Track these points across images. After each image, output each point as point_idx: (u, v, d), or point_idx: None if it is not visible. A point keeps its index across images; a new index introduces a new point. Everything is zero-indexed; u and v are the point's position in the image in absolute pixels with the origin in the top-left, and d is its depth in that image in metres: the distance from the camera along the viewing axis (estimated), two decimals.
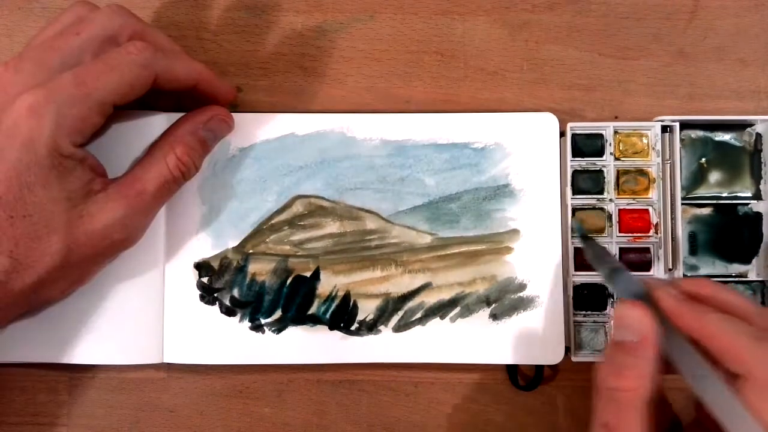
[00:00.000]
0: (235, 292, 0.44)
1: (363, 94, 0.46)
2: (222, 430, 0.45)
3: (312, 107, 0.46)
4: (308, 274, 0.44)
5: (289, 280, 0.44)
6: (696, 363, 0.32)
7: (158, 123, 0.43)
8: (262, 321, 0.44)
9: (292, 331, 0.44)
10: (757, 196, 0.45)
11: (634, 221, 0.44)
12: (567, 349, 0.44)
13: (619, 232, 0.44)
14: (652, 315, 0.34)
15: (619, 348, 0.34)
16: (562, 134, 0.45)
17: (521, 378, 0.45)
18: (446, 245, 0.44)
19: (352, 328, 0.44)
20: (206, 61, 0.45)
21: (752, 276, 0.45)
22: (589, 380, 0.45)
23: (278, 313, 0.44)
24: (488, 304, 0.44)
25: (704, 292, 0.35)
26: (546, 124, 0.44)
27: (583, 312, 0.44)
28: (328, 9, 0.46)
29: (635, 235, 0.44)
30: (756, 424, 0.30)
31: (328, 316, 0.44)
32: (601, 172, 0.45)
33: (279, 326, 0.44)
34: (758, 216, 0.45)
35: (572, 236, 0.44)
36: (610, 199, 0.44)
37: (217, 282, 0.44)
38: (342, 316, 0.44)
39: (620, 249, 0.44)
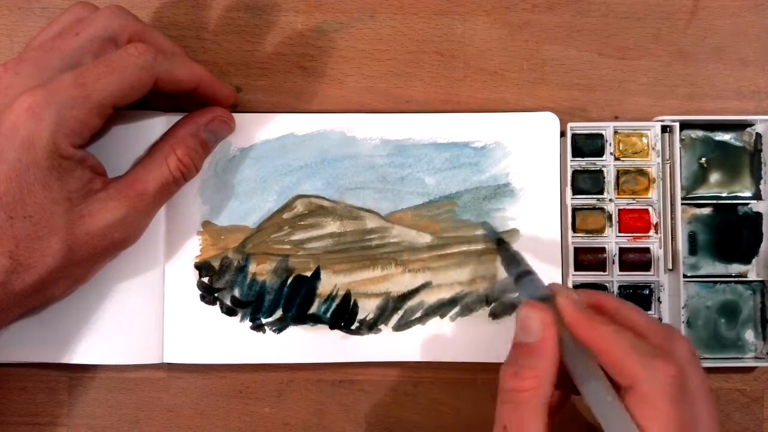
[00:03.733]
0: (236, 292, 0.44)
1: (363, 94, 0.46)
2: (222, 430, 0.45)
3: (312, 107, 0.46)
4: (309, 273, 0.44)
5: (289, 280, 0.44)
6: (588, 370, 0.33)
7: (158, 124, 0.43)
8: (263, 321, 0.44)
9: (293, 331, 0.44)
10: (757, 196, 0.45)
11: (634, 221, 0.44)
12: None
13: (619, 232, 0.44)
14: (553, 318, 0.34)
15: (519, 349, 0.34)
16: (562, 134, 0.45)
17: None
18: (446, 244, 0.44)
19: (353, 327, 0.44)
20: (206, 61, 0.45)
21: (752, 276, 0.45)
22: None
23: (279, 313, 0.44)
24: (488, 303, 0.44)
25: (608, 306, 0.35)
26: (546, 123, 0.44)
27: None
28: (328, 9, 0.46)
29: (635, 235, 0.44)
30: (632, 428, 0.30)
31: (328, 315, 0.44)
32: (601, 172, 0.45)
33: (280, 326, 0.44)
34: (758, 216, 0.45)
35: (487, 238, 0.44)
36: (610, 199, 0.44)
37: (217, 282, 0.44)
38: (342, 316, 0.44)
39: (620, 249, 0.44)
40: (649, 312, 0.44)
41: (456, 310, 0.44)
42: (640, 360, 0.31)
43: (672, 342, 0.33)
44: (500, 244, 0.43)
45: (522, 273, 0.39)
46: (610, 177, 0.44)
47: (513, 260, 0.41)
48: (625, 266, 0.44)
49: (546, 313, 0.34)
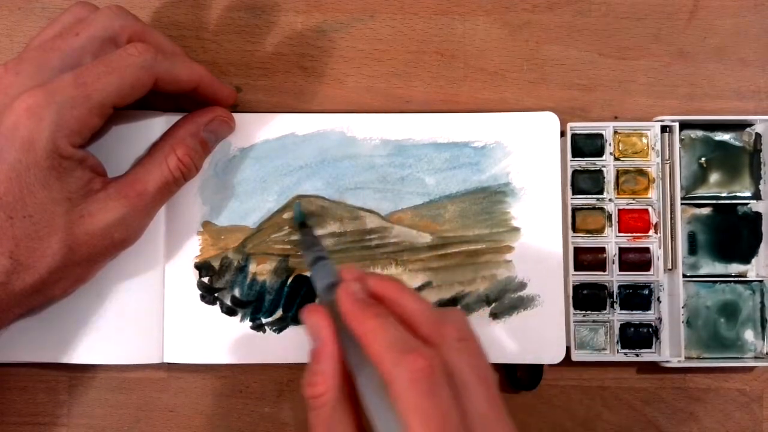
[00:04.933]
0: (236, 292, 0.44)
1: (363, 94, 0.46)
2: (222, 430, 0.45)
3: (312, 107, 0.46)
4: (309, 273, 0.44)
5: (289, 280, 0.44)
6: (359, 363, 0.33)
7: (158, 124, 0.43)
8: (263, 320, 0.44)
9: (293, 331, 0.44)
10: (757, 196, 0.45)
11: (634, 221, 0.44)
12: (567, 349, 0.44)
13: (619, 231, 0.44)
14: (329, 320, 0.34)
15: (310, 355, 0.34)
16: (562, 134, 0.45)
17: (521, 378, 0.45)
18: (446, 244, 0.44)
19: None
20: (206, 61, 0.45)
21: (752, 276, 0.45)
22: (590, 380, 0.45)
23: (279, 313, 0.44)
24: (488, 303, 0.44)
25: (387, 294, 0.35)
26: (547, 123, 0.44)
27: (583, 311, 0.44)
28: (328, 9, 0.46)
29: (635, 234, 0.44)
30: (396, 422, 0.30)
31: None
32: (600, 171, 0.45)
33: (280, 325, 0.44)
34: (758, 216, 0.45)
35: (292, 222, 0.44)
36: (610, 199, 0.44)
37: (217, 282, 0.44)
38: None
39: (620, 249, 0.44)
40: (649, 312, 0.44)
41: None
42: (393, 356, 0.31)
43: (440, 329, 0.33)
44: (302, 227, 0.43)
45: (316, 258, 0.39)
46: (609, 177, 0.44)
47: (311, 244, 0.40)
48: (624, 266, 0.44)
49: (320, 316, 0.34)
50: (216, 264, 0.44)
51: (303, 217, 0.44)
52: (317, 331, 0.34)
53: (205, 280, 0.44)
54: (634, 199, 0.44)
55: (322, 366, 0.33)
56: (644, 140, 0.45)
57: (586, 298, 0.44)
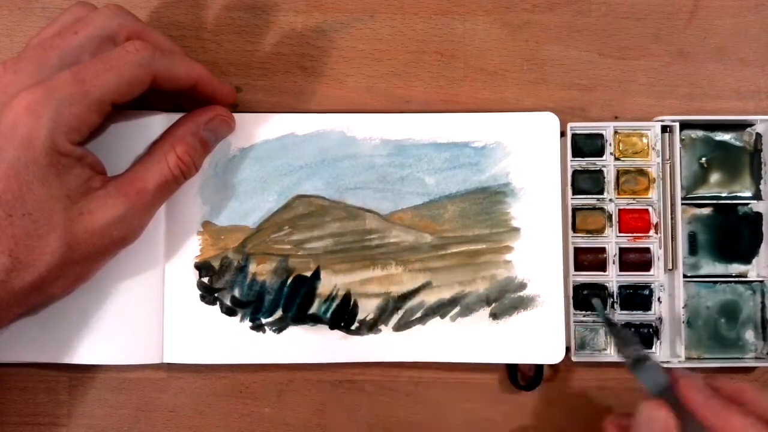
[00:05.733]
0: (236, 292, 0.44)
1: (363, 94, 0.46)
2: (222, 430, 0.45)
3: (312, 107, 0.46)
4: (309, 273, 0.44)
5: (289, 280, 0.44)
6: None
7: (158, 123, 0.43)
8: (263, 321, 0.44)
9: (293, 331, 0.44)
10: (757, 196, 0.45)
11: (634, 221, 0.44)
12: (567, 349, 0.44)
13: (619, 232, 0.44)
14: (676, 423, 0.33)
15: None
16: (563, 134, 0.45)
17: (521, 378, 0.44)
18: (446, 244, 0.44)
19: (353, 327, 0.44)
20: (206, 61, 0.45)
21: (752, 276, 0.45)
22: (590, 380, 0.45)
23: (279, 313, 0.44)
24: (488, 303, 0.44)
25: (744, 397, 0.34)
26: (547, 123, 0.44)
27: (583, 312, 0.44)
28: (328, 9, 0.46)
29: (635, 235, 0.44)
30: None
31: (328, 315, 0.44)
32: (601, 172, 0.45)
33: (279, 326, 0.44)
34: (758, 216, 0.45)
35: (596, 315, 0.44)
36: (610, 199, 0.44)
37: (217, 282, 0.44)
38: (342, 316, 0.44)
39: (620, 249, 0.44)
40: (649, 312, 0.44)
41: (456, 310, 0.44)
42: None
43: None
44: (611, 325, 0.42)
45: (640, 357, 0.38)
46: (610, 177, 0.44)
47: (628, 342, 0.40)
48: (625, 266, 0.44)
49: (670, 418, 0.33)
50: (216, 264, 0.44)
51: (606, 314, 0.44)
52: (662, 426, 0.33)
53: (205, 280, 0.44)
54: (634, 199, 0.44)
55: None
56: (644, 140, 0.45)
57: (587, 299, 0.44)
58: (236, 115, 0.43)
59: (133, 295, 0.43)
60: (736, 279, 0.45)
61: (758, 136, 0.45)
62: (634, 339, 0.41)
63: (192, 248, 0.44)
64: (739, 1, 0.46)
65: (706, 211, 0.45)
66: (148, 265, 0.44)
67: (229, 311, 0.44)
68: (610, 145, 0.44)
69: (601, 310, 0.43)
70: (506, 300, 0.44)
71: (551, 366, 0.44)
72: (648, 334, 0.44)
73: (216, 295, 0.44)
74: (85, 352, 0.43)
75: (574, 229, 0.44)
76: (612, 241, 0.44)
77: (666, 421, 0.33)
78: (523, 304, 0.44)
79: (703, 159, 0.45)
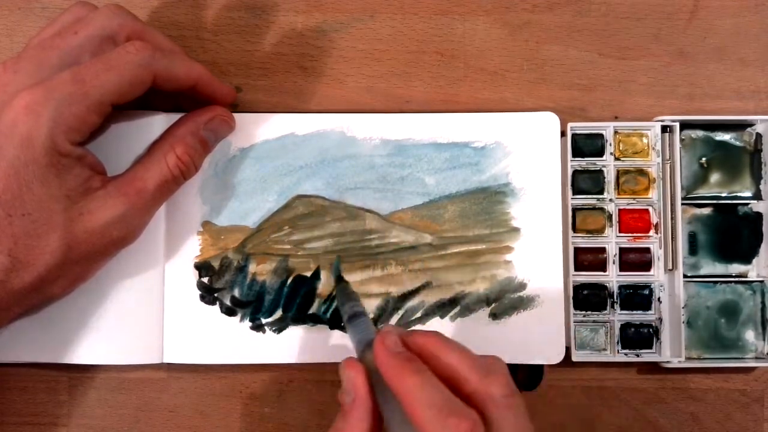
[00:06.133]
0: (236, 292, 0.44)
1: (363, 94, 0.46)
2: (222, 430, 0.45)
3: (312, 107, 0.46)
4: (309, 273, 0.44)
5: (289, 280, 0.44)
6: (397, 422, 0.32)
7: (158, 123, 0.43)
8: (263, 321, 0.44)
9: (293, 331, 0.44)
10: (757, 196, 0.45)
11: (634, 221, 0.44)
12: (567, 349, 0.44)
13: (619, 232, 0.44)
14: (365, 379, 0.33)
15: (341, 409, 0.34)
16: (563, 134, 0.45)
17: (521, 378, 0.44)
18: (446, 244, 0.44)
19: None
20: (206, 61, 0.45)
21: (752, 276, 0.45)
22: (590, 380, 0.45)
23: (279, 313, 0.44)
24: (488, 303, 0.44)
25: (427, 348, 0.33)
26: (547, 123, 0.44)
27: (583, 312, 0.44)
28: (328, 9, 0.46)
29: (635, 235, 0.44)
30: None
31: (328, 315, 0.44)
32: (601, 172, 0.45)
33: (279, 326, 0.44)
34: (758, 216, 0.45)
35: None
36: (610, 199, 0.44)
37: (217, 282, 0.44)
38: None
39: (620, 249, 0.44)
40: (649, 312, 0.44)
41: (456, 310, 0.44)
42: (436, 418, 0.30)
43: (485, 385, 0.32)
44: (339, 282, 0.43)
45: (354, 314, 0.38)
46: (610, 177, 0.44)
47: (348, 299, 0.40)
48: (625, 266, 0.44)
49: (356, 371, 0.33)
50: (216, 264, 0.44)
51: (339, 271, 0.44)
52: (352, 385, 0.33)
53: (205, 280, 0.44)
54: (634, 199, 0.44)
55: (349, 425, 0.33)
56: (645, 140, 0.45)
57: (587, 299, 0.44)
58: (236, 115, 0.43)
59: (133, 295, 0.43)
60: (736, 279, 0.45)
61: (758, 136, 0.45)
62: (356, 297, 0.41)
63: (192, 248, 0.44)
64: (739, 1, 0.46)
65: (706, 211, 0.45)
66: (148, 265, 0.44)
67: (229, 311, 0.44)
68: (610, 145, 0.44)
69: (337, 266, 0.44)
70: (506, 300, 0.44)
71: (551, 366, 0.44)
72: (648, 334, 0.44)
73: (216, 295, 0.44)
74: (85, 352, 0.43)
75: (574, 229, 0.44)
76: (612, 241, 0.44)
77: (352, 380, 0.33)
78: (523, 304, 0.44)
79: (703, 159, 0.45)
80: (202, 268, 0.44)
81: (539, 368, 0.44)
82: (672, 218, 0.44)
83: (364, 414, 0.33)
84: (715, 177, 0.45)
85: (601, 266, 0.44)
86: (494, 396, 0.32)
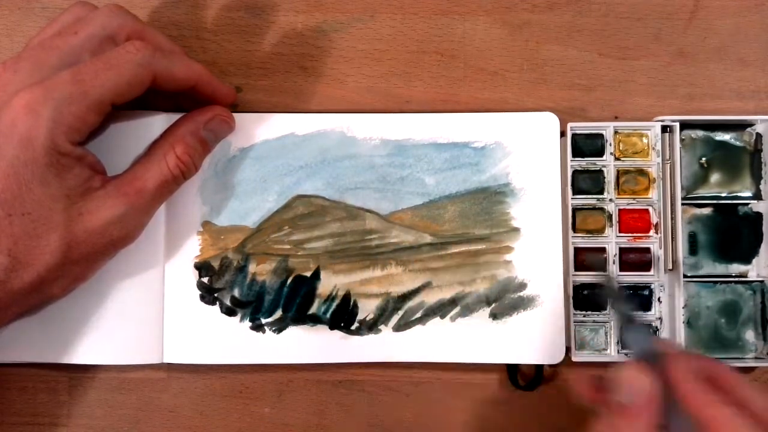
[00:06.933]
0: (236, 292, 0.44)
1: (363, 94, 0.46)
2: (222, 430, 0.45)
3: (312, 107, 0.46)
4: (308, 273, 0.44)
5: (289, 280, 0.44)
6: None
7: (158, 123, 0.43)
8: (263, 321, 0.44)
9: (293, 331, 0.44)
10: (758, 196, 0.45)
11: (634, 221, 0.44)
12: (567, 349, 0.44)
13: (619, 232, 0.44)
14: (659, 390, 0.33)
15: (618, 410, 0.33)
16: (563, 134, 0.45)
17: (521, 378, 0.44)
18: (446, 244, 0.44)
19: (353, 327, 0.44)
20: (206, 61, 0.45)
21: (752, 276, 0.45)
22: None
23: (279, 313, 0.44)
24: (488, 303, 0.44)
25: (724, 380, 0.33)
26: (546, 123, 0.44)
27: (583, 312, 0.44)
28: (328, 9, 0.46)
29: (635, 235, 0.44)
30: None
31: (328, 315, 0.44)
32: (601, 172, 0.45)
33: (279, 326, 0.44)
34: (758, 216, 0.45)
35: (603, 291, 0.44)
36: (610, 199, 0.44)
37: (217, 282, 0.44)
38: (342, 316, 0.44)
39: (620, 249, 0.44)
40: (649, 312, 0.44)
41: (456, 310, 0.44)
42: None
43: None
44: (609, 280, 0.43)
45: (631, 318, 0.38)
46: (610, 177, 0.44)
47: (624, 301, 0.40)
48: (625, 266, 0.44)
49: (653, 384, 0.33)
50: (216, 264, 0.44)
51: (612, 282, 0.43)
52: (641, 392, 0.33)
53: (205, 280, 0.44)
54: (634, 199, 0.44)
55: (638, 423, 0.32)
56: (645, 140, 0.45)
57: (587, 298, 0.44)
58: (236, 115, 0.43)
59: (133, 295, 0.43)
60: (736, 279, 0.45)
61: (758, 136, 0.45)
62: (630, 301, 0.41)
63: (192, 248, 0.44)
64: (739, 1, 0.46)
65: (706, 211, 0.45)
66: (148, 265, 0.44)
67: (229, 311, 0.44)
68: (610, 145, 0.44)
69: (609, 281, 0.43)
70: (506, 300, 0.44)
71: (551, 366, 0.44)
72: None
73: (216, 295, 0.44)
74: (85, 352, 0.43)
75: (574, 229, 0.44)
76: (612, 241, 0.44)
77: (649, 387, 0.33)
78: (523, 304, 0.44)
79: (703, 159, 0.45)
80: (202, 268, 0.44)
81: (539, 368, 0.44)
82: (672, 218, 0.44)
83: (649, 420, 0.32)
84: (715, 177, 0.45)
85: (602, 266, 0.44)
86: None
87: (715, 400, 0.31)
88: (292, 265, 0.44)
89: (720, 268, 0.45)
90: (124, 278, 0.43)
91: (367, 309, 0.44)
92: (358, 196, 0.44)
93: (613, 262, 0.44)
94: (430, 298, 0.44)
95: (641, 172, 0.45)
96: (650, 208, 0.44)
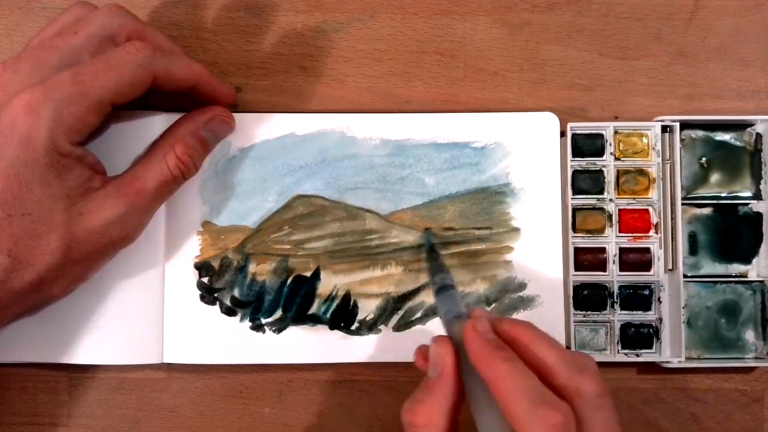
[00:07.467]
0: (236, 292, 0.44)
1: (363, 94, 0.46)
2: (222, 430, 0.45)
3: (312, 107, 0.46)
4: (308, 273, 0.44)
5: (289, 280, 0.44)
6: (484, 407, 0.31)
7: (158, 123, 0.43)
8: (263, 321, 0.44)
9: (293, 331, 0.44)
10: (757, 196, 0.45)
11: (634, 221, 0.44)
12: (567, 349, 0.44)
13: (619, 232, 0.44)
14: (453, 358, 0.33)
15: (423, 383, 0.33)
16: (563, 134, 0.45)
17: None
18: (446, 244, 0.44)
19: (353, 327, 0.44)
20: (206, 61, 0.45)
21: (752, 276, 0.45)
22: None
23: (278, 313, 0.44)
24: (488, 303, 0.44)
25: (519, 338, 0.33)
26: (546, 123, 0.44)
27: (583, 312, 0.44)
28: (328, 9, 0.46)
29: (635, 235, 0.44)
30: None
31: (328, 315, 0.44)
32: (601, 172, 0.45)
33: (279, 326, 0.44)
34: (758, 216, 0.45)
35: (423, 248, 0.44)
36: (610, 199, 0.44)
37: (217, 282, 0.44)
38: (342, 316, 0.44)
39: (620, 249, 0.44)
40: (650, 312, 0.44)
41: None
42: (526, 407, 0.29)
43: (578, 382, 0.31)
44: (430, 253, 0.43)
45: (444, 285, 0.38)
46: (610, 177, 0.44)
47: (438, 270, 0.40)
48: (625, 266, 0.44)
49: (446, 349, 0.33)
50: (216, 264, 0.44)
51: (431, 241, 0.44)
52: (438, 362, 0.33)
53: (205, 280, 0.44)
54: (634, 199, 0.44)
55: (433, 399, 0.32)
56: (645, 140, 0.45)
57: (587, 299, 0.44)
58: (236, 115, 0.43)
59: (133, 295, 0.43)
60: (736, 279, 0.45)
61: (758, 136, 0.45)
62: (446, 269, 0.40)
63: (192, 248, 0.44)
64: (739, 1, 0.46)
65: (706, 211, 0.45)
66: (148, 265, 0.43)
67: (229, 311, 0.44)
68: (610, 145, 0.44)
69: (428, 240, 0.44)
70: (506, 300, 0.44)
71: None
72: (648, 334, 0.44)
73: (216, 295, 0.44)
74: (85, 352, 0.43)
75: (574, 229, 0.44)
76: (612, 241, 0.44)
77: (443, 356, 0.33)
78: (523, 304, 0.44)
79: (703, 159, 0.45)
80: (202, 268, 0.44)
81: None
82: (672, 218, 0.44)
83: (449, 391, 0.32)
84: (715, 177, 0.45)
85: (601, 266, 0.44)
86: (585, 394, 0.31)
87: (499, 357, 0.31)
88: (292, 265, 0.44)
89: (720, 268, 0.45)
90: (124, 278, 0.43)
91: (367, 309, 0.44)
92: (358, 196, 0.44)
93: (613, 262, 0.44)
94: (430, 298, 0.44)
95: (641, 172, 0.45)
96: (650, 208, 0.44)
